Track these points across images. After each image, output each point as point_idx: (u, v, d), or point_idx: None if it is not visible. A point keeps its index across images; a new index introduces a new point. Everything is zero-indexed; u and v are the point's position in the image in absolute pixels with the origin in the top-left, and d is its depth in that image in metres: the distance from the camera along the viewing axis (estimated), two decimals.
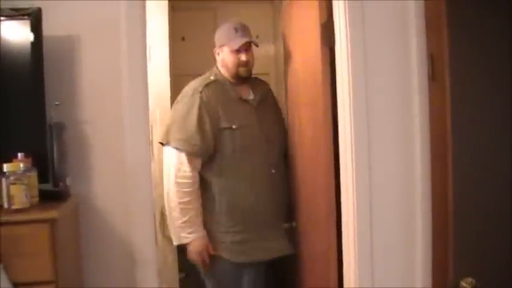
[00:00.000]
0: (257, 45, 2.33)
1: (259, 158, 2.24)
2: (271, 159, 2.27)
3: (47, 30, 1.62)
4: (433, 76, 1.62)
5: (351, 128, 1.71)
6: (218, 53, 2.33)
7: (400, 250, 1.74)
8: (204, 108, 2.18)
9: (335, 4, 1.76)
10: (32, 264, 1.42)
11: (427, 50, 1.66)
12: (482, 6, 1.48)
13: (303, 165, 2.21)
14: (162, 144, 2.26)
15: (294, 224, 2.30)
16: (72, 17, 1.74)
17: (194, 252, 2.19)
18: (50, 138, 1.61)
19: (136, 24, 1.78)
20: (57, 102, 1.64)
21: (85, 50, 1.76)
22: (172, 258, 2.65)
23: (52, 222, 1.44)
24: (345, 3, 1.71)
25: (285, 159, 2.36)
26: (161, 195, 2.28)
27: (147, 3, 1.88)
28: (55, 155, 1.61)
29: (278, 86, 3.10)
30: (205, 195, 2.22)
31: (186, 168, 2.17)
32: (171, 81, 2.75)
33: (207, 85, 2.25)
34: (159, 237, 2.30)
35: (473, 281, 1.40)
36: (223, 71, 2.32)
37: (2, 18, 1.59)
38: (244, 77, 2.30)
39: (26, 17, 1.60)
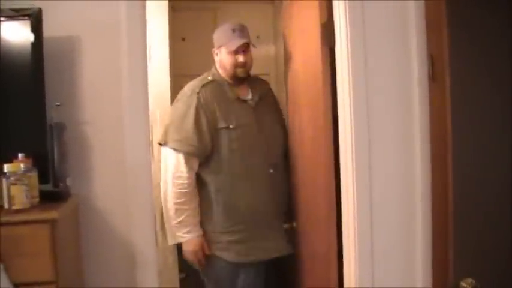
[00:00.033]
0: (255, 46, 2.33)
1: (258, 158, 2.24)
2: (270, 159, 2.27)
3: (47, 30, 1.62)
4: (433, 76, 1.62)
5: (351, 128, 1.71)
6: (216, 54, 2.33)
7: (400, 250, 1.74)
8: (201, 108, 2.19)
9: (335, 4, 1.76)
10: (32, 265, 1.42)
11: (427, 50, 1.66)
12: (482, 6, 1.48)
13: (303, 165, 2.20)
14: (160, 144, 2.27)
15: (294, 224, 2.30)
16: (73, 18, 1.74)
17: (189, 251, 2.20)
18: (50, 139, 1.61)
19: (136, 25, 1.78)
20: (57, 103, 1.65)
21: (85, 51, 1.76)
22: (172, 259, 2.65)
23: (52, 222, 1.44)
24: (345, 3, 1.71)
25: (285, 159, 2.36)
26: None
27: (147, 3, 1.88)
28: (55, 156, 1.61)
29: (278, 86, 3.10)
30: (201, 194, 2.23)
31: (183, 168, 2.17)
32: (171, 81, 2.76)
33: (204, 85, 2.25)
34: (160, 237, 2.29)
35: (474, 282, 1.40)
36: (221, 71, 2.32)
37: (2, 18, 1.59)
38: (242, 77, 2.30)
39: (26, 18, 1.60)
